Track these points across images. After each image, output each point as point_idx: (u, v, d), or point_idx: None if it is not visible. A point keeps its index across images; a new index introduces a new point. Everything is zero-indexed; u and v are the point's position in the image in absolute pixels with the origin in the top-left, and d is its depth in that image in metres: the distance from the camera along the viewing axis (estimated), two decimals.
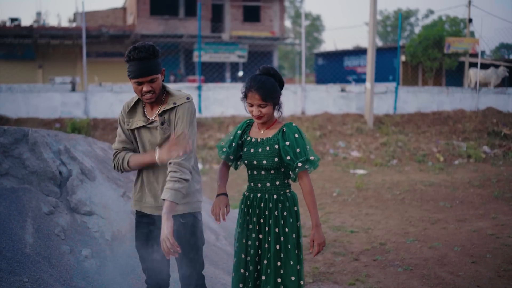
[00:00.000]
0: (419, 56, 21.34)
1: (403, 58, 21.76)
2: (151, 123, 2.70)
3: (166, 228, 2.47)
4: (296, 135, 2.72)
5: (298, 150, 2.69)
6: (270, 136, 2.77)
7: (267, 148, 2.74)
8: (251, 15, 28.38)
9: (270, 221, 2.75)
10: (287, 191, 2.81)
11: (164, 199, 2.53)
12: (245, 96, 2.74)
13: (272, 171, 2.76)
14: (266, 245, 2.75)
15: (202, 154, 10.98)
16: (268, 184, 2.78)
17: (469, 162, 11.33)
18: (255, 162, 2.76)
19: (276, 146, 2.72)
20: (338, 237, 5.80)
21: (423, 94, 14.88)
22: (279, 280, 2.71)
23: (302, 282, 2.74)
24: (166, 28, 26.05)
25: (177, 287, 2.96)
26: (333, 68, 26.31)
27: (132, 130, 2.76)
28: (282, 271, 2.71)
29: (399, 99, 14.43)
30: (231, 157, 2.87)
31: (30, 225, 3.37)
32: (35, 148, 3.79)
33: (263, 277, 2.73)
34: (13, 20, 25.41)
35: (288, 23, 54.90)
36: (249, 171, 2.85)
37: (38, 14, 29.07)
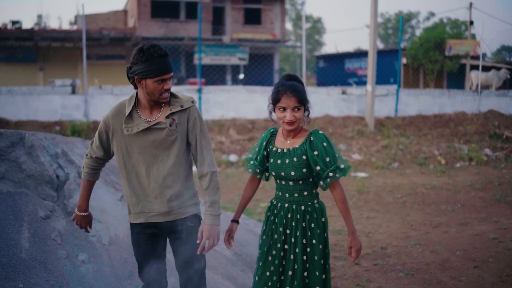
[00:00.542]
0: (420, 59, 21.30)
1: (404, 60, 21.72)
2: (155, 124, 2.61)
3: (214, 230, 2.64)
4: (325, 144, 2.66)
5: (327, 159, 2.64)
6: (297, 146, 2.70)
7: (295, 159, 2.68)
8: (252, 17, 28.40)
9: (297, 232, 2.71)
10: (315, 201, 2.78)
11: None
12: (277, 101, 2.66)
13: (300, 182, 2.72)
14: (292, 256, 2.72)
15: None
16: (296, 195, 2.74)
17: (471, 165, 11.27)
18: (282, 174, 2.72)
19: (304, 157, 2.66)
20: (339, 241, 5.75)
21: (424, 96, 14.84)
22: None
23: None
24: (167, 31, 26.07)
25: None
26: (334, 70, 26.32)
27: (124, 136, 2.64)
28: (307, 281, 2.71)
29: (400, 102, 14.39)
30: (258, 170, 2.86)
31: (26, 230, 3.32)
32: (32, 152, 3.75)
33: None
34: (14, 22, 25.48)
35: (289, 26, 55.02)
36: (277, 181, 2.81)
37: (39, 16, 29.20)
